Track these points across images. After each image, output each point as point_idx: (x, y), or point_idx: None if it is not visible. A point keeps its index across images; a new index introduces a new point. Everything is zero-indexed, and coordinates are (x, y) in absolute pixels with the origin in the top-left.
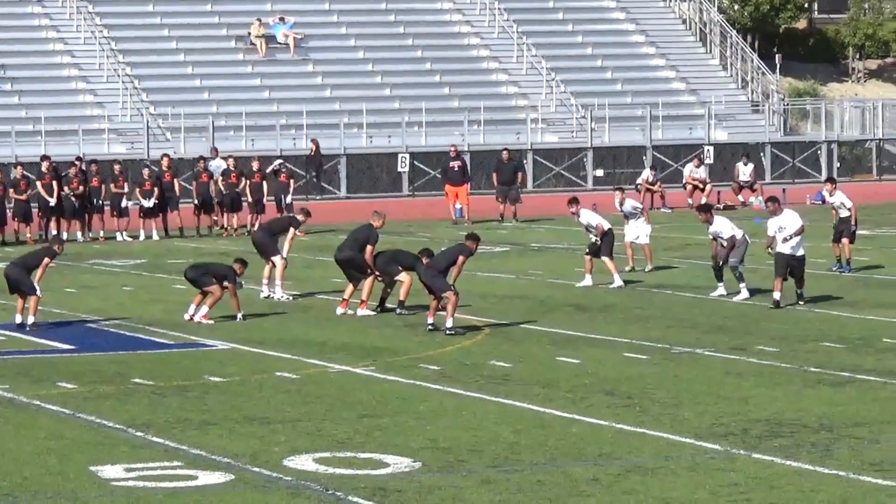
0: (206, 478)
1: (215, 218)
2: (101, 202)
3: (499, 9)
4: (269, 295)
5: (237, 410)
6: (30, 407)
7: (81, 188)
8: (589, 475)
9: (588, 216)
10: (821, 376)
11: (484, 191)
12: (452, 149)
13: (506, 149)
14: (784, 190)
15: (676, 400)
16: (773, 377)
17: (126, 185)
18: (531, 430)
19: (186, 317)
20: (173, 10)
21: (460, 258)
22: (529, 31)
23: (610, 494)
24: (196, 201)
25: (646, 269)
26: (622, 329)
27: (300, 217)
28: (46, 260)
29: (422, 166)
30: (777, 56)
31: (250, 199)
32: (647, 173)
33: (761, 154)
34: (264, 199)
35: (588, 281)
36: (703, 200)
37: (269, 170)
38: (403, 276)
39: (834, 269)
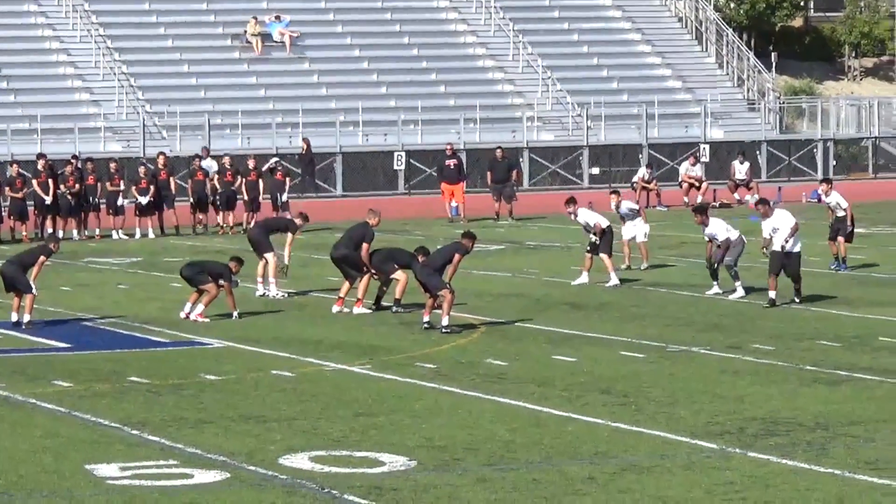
0: (202, 476)
1: (200, 217)
2: (97, 200)
3: (495, 7)
4: (264, 293)
5: (233, 409)
6: (25, 405)
7: (77, 186)
8: (585, 474)
9: (586, 215)
10: (817, 375)
11: (480, 189)
12: (448, 147)
13: (499, 147)
14: (780, 188)
15: (672, 398)
16: (769, 375)
17: (122, 183)
18: (527, 429)
19: (182, 315)
20: (169, 9)
21: (456, 256)
22: (525, 29)
23: (606, 493)
24: (192, 199)
25: (641, 268)
26: (618, 327)
27: (298, 221)
28: (42, 258)
29: (418, 164)
30: (773, 54)
31: (246, 198)
32: (642, 171)
33: (757, 152)
34: (260, 198)
35: (584, 278)
36: (699, 199)
37: (264, 168)
38: (399, 275)
39: (832, 267)
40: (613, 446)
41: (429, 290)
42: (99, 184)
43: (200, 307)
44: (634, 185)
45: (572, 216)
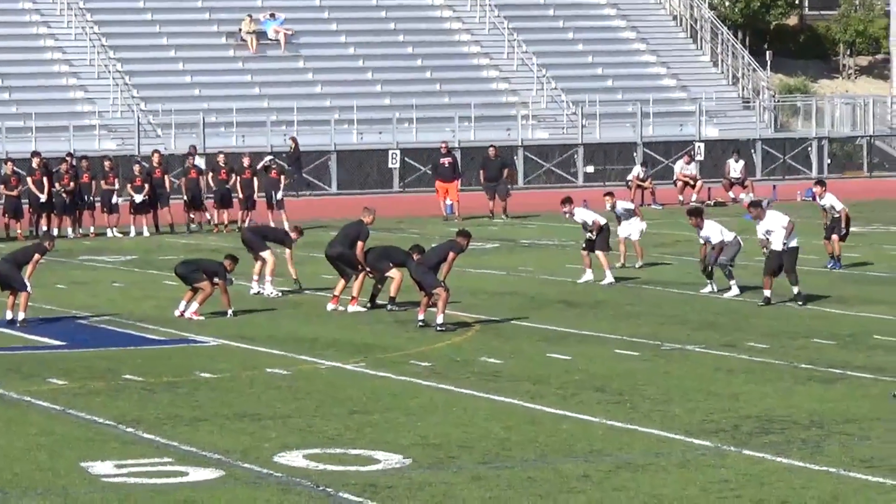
0: (197, 474)
1: (193, 215)
2: (91, 198)
3: (489, 5)
4: (259, 291)
5: (228, 407)
6: (20, 403)
7: (72, 184)
8: (579, 472)
9: (583, 214)
10: (811, 373)
11: (474, 187)
12: (443, 145)
13: (492, 145)
14: (774, 187)
15: (667, 396)
16: (764, 374)
17: (116, 181)
18: (522, 427)
19: (177, 313)
20: (164, 7)
21: (450, 255)
22: (520, 27)
23: (600, 491)
24: (185, 197)
25: (636, 266)
26: (613, 325)
27: (293, 235)
28: (37, 256)
29: (412, 163)
30: (768, 52)
31: (241, 196)
32: (637, 170)
33: (752, 150)
34: (255, 196)
35: (589, 276)
36: (694, 197)
37: (259, 166)
38: (394, 273)
39: (828, 266)
40: (608, 444)
41: (423, 289)
42: (94, 182)
43: (195, 305)
44: (629, 183)
45: (569, 215)
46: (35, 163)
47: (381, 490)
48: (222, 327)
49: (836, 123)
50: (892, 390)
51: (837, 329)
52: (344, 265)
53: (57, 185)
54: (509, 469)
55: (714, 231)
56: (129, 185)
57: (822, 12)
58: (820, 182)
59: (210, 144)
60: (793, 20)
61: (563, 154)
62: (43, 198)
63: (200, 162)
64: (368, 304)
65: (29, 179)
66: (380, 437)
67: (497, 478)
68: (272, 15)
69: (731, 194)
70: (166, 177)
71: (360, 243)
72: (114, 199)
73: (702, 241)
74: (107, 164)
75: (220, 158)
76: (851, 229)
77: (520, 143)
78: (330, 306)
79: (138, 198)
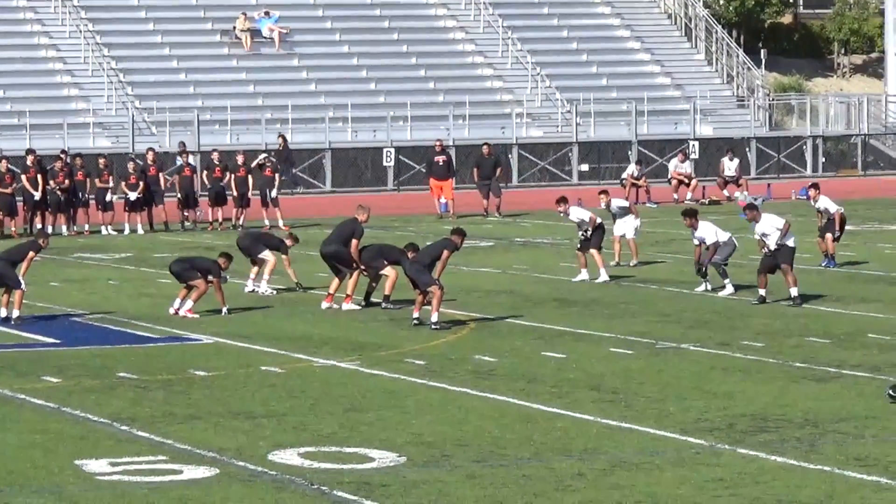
0: (191, 472)
1: (187, 213)
2: (86, 196)
3: (484, 3)
4: (253, 289)
5: (222, 405)
6: (14, 400)
7: (67, 182)
8: (574, 470)
9: (578, 212)
10: (806, 371)
11: (469, 185)
12: (438, 143)
13: (486, 143)
14: (769, 185)
15: (662, 395)
16: (759, 372)
17: (111, 179)
18: (516, 425)
19: (171, 311)
20: (158, 4)
21: (444, 253)
22: (515, 25)
23: (595, 489)
24: (178, 195)
25: (631, 264)
26: (607, 324)
27: (289, 242)
28: (31, 254)
29: (407, 161)
30: (762, 51)
31: (235, 194)
32: (632, 168)
33: (746, 149)
34: (249, 194)
35: (584, 275)
36: (689, 196)
37: (254, 164)
38: (389, 271)
39: (823, 264)
40: (603, 443)
41: (418, 287)
42: (88, 180)
43: (190, 303)
44: (624, 181)
45: (564, 214)
46: (29, 160)
47: (376, 488)
48: (217, 325)
49: (830, 122)
50: (887, 388)
51: (832, 328)
52: (338, 263)
53: (52, 182)
54: (504, 467)
55: (709, 232)
56: (123, 183)
57: (817, 11)
58: (814, 185)
59: (204, 142)
60: (787, 19)
61: (558, 152)
62: (37, 195)
63: (183, 158)
64: (363, 303)
65: (23, 177)
66: (374, 435)
67: (492, 476)
68: (267, 13)
69: (725, 193)
70: (161, 174)
71: (354, 241)
72: (108, 197)
73: (696, 242)
74: (101, 161)
75: (215, 156)
76: (846, 228)
77: (514, 142)
78: (324, 304)
79: (133, 195)
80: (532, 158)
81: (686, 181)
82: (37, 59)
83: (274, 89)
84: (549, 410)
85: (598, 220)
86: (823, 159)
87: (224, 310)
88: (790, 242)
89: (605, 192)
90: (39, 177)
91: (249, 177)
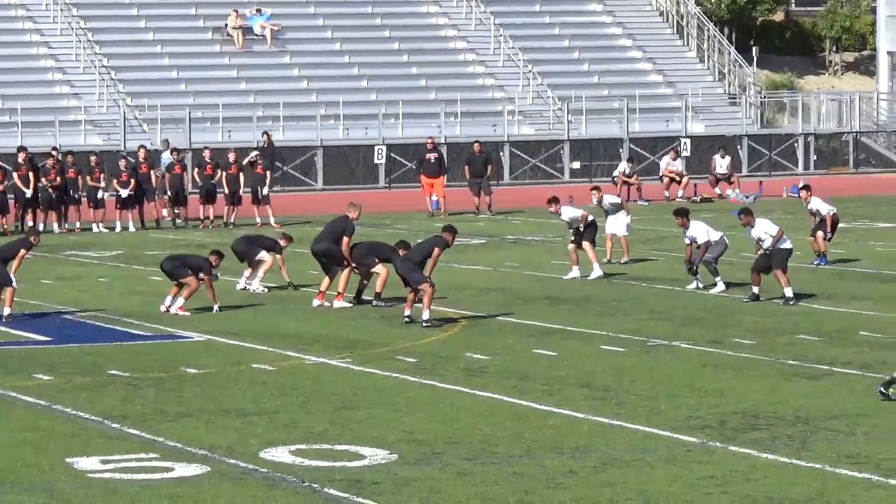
0: (183, 470)
1: (176, 211)
2: (78, 194)
3: (476, 1)
4: (245, 287)
5: (213, 402)
6: (5, 398)
7: (59, 179)
8: (565, 468)
9: (569, 212)
10: (797, 369)
11: (460, 183)
12: (429, 141)
13: (477, 141)
14: (761, 183)
15: (653, 392)
16: (750, 370)
17: (102, 176)
18: (507, 423)
19: (162, 308)
20: (150, 2)
21: (436, 250)
22: (506, 23)
23: (587, 487)
24: (169, 193)
25: (622, 262)
26: (598, 321)
27: (282, 242)
28: (23, 251)
29: (398, 158)
30: (754, 49)
31: (226, 191)
32: (623, 166)
33: (738, 147)
34: (240, 191)
35: (575, 272)
36: (680, 193)
37: (245, 161)
38: (380, 268)
39: (815, 262)
40: (594, 440)
41: (409, 284)
42: (80, 177)
43: (181, 301)
44: (615, 179)
45: (556, 214)
46: (21, 158)
47: (367, 486)
48: (208, 323)
49: (822, 120)
50: (878, 386)
51: (823, 325)
52: (329, 261)
53: (43, 180)
54: (495, 465)
55: (700, 231)
56: (114, 181)
57: (809, 8)
58: (806, 187)
59: (196, 140)
60: (779, 16)
61: (549, 150)
62: (29, 193)
63: (170, 157)
64: (354, 300)
65: (15, 174)
66: (365, 432)
67: (483, 473)
68: (258, 10)
69: (717, 190)
70: (152, 172)
71: (345, 239)
72: (100, 195)
73: (688, 242)
74: (93, 159)
75: (206, 154)
76: (838, 226)
77: (506, 139)
78: (315, 302)
79: (124, 193)
80: (524, 156)
81: (677, 179)
82: (28, 57)
83: (265, 87)
84: (540, 408)
85: (591, 218)
86: (815, 157)
87: (215, 307)
88: (786, 245)
89: (597, 188)
90: (31, 174)
91: (241, 174)
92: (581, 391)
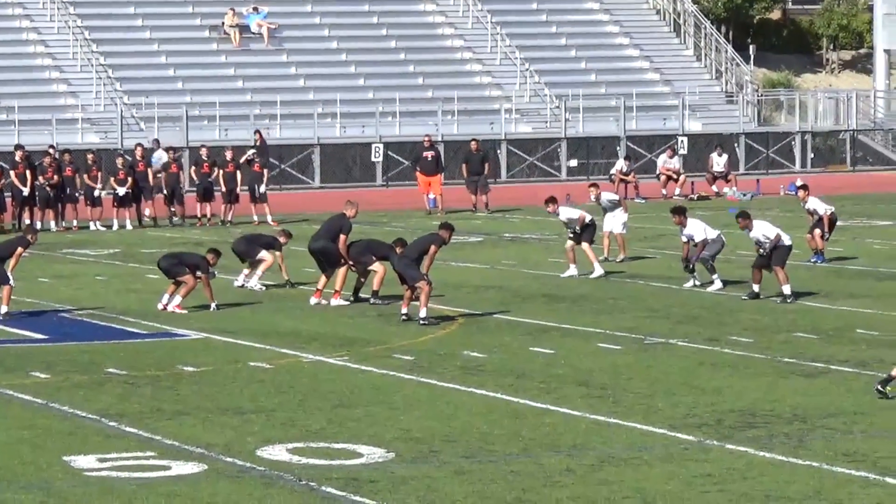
0: (180, 468)
1: (173, 209)
2: (76, 192)
3: None
4: (242, 284)
5: (210, 400)
6: (2, 396)
7: (56, 178)
8: (563, 466)
9: (567, 212)
10: (795, 367)
11: (458, 181)
12: (426, 139)
13: (474, 139)
14: (758, 181)
15: (650, 390)
16: (747, 368)
17: (100, 174)
18: (505, 421)
19: (160, 306)
20: (147, 0)
21: (432, 248)
22: (504, 21)
23: (584, 485)
24: (165, 192)
25: (618, 259)
26: (595, 319)
27: (282, 239)
28: (20, 249)
29: (396, 156)
30: (751, 47)
31: (223, 189)
32: (620, 164)
33: (735, 145)
34: (238, 189)
35: (573, 270)
36: (677, 191)
37: (242, 159)
38: (377, 266)
39: (812, 260)
40: (591, 438)
41: (406, 282)
42: (77, 175)
43: (178, 298)
44: (612, 177)
45: (554, 214)
46: (18, 156)
47: (364, 484)
48: (205, 321)
49: (819, 118)
50: (875, 384)
51: (821, 323)
52: (327, 259)
53: (41, 178)
54: (492, 463)
55: (697, 229)
56: (112, 179)
57: (806, 7)
58: (804, 186)
59: (193, 138)
60: (776, 14)
61: (547, 148)
62: (26, 191)
63: (161, 155)
64: (351, 298)
65: (12, 173)
66: (363, 430)
67: (480, 472)
68: (255, 8)
69: (714, 188)
70: (149, 170)
71: (342, 237)
72: (96, 193)
73: (685, 240)
74: (90, 157)
75: (203, 152)
76: (836, 224)
77: (503, 137)
78: (313, 300)
79: (121, 191)
80: (521, 154)
81: (674, 177)
82: (26, 55)
83: (262, 85)
84: (537, 406)
85: (588, 219)
86: (812, 155)
87: (212, 305)
88: (785, 242)
89: (595, 185)
90: (28, 172)
91: (238, 172)
92: (578, 389)
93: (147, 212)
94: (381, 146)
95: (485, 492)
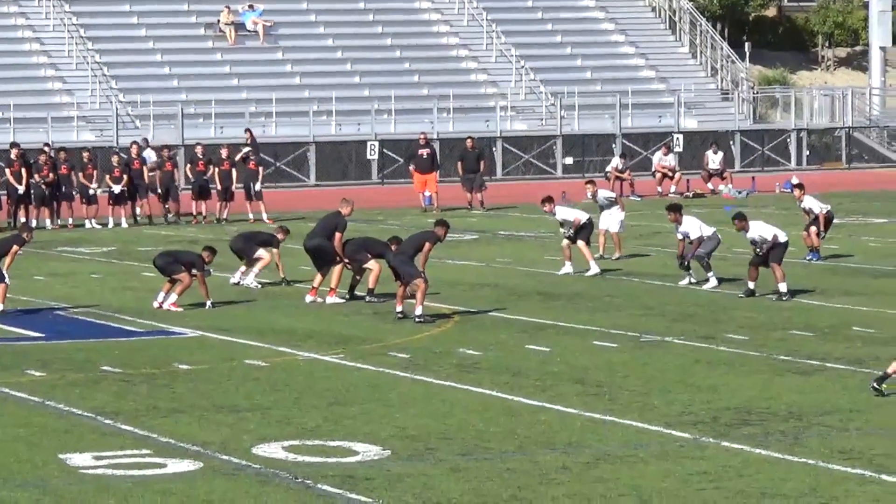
0: (176, 465)
1: (167, 207)
2: (72, 190)
3: None
4: (238, 282)
5: (206, 398)
6: None
7: (51, 176)
8: (558, 463)
9: (563, 212)
10: (790, 364)
11: (453, 179)
12: (422, 136)
13: (470, 137)
14: (753, 178)
15: (646, 388)
16: (743, 365)
17: (95, 172)
18: (500, 418)
19: (155, 304)
20: None
21: (427, 245)
22: (499, 18)
23: (580, 482)
24: (159, 190)
25: (613, 258)
26: (591, 317)
27: (280, 235)
28: (15, 247)
29: (391, 154)
30: (747, 44)
31: (219, 187)
32: (616, 161)
33: (731, 142)
34: (233, 187)
35: (568, 268)
36: (673, 189)
37: (237, 157)
38: (372, 264)
39: (808, 258)
40: (587, 436)
41: (400, 278)
42: (72, 173)
43: (173, 296)
44: (608, 174)
45: (550, 214)
46: (13, 154)
47: (360, 482)
48: (201, 319)
49: (814, 115)
50: (871, 381)
51: (816, 321)
52: (322, 257)
53: (36, 176)
54: (488, 461)
55: (693, 226)
56: (107, 177)
57: (801, 3)
58: (799, 185)
59: (188, 136)
60: (772, 11)
61: (542, 145)
62: (21, 189)
63: (151, 154)
64: (347, 296)
65: (7, 171)
66: (358, 428)
67: (476, 469)
68: (251, 6)
69: (709, 186)
70: (145, 168)
71: (338, 234)
72: (92, 191)
73: (680, 237)
74: (85, 155)
75: (199, 150)
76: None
77: (498, 135)
78: (308, 298)
79: (117, 189)
80: (516, 151)
81: (670, 174)
82: (21, 53)
83: (258, 83)
84: (533, 404)
85: (583, 221)
86: (808, 152)
87: (208, 303)
88: (781, 239)
89: (591, 182)
90: (23, 170)
91: (233, 170)
92: (574, 387)
93: (138, 210)
94: (376, 144)
95: (480, 489)
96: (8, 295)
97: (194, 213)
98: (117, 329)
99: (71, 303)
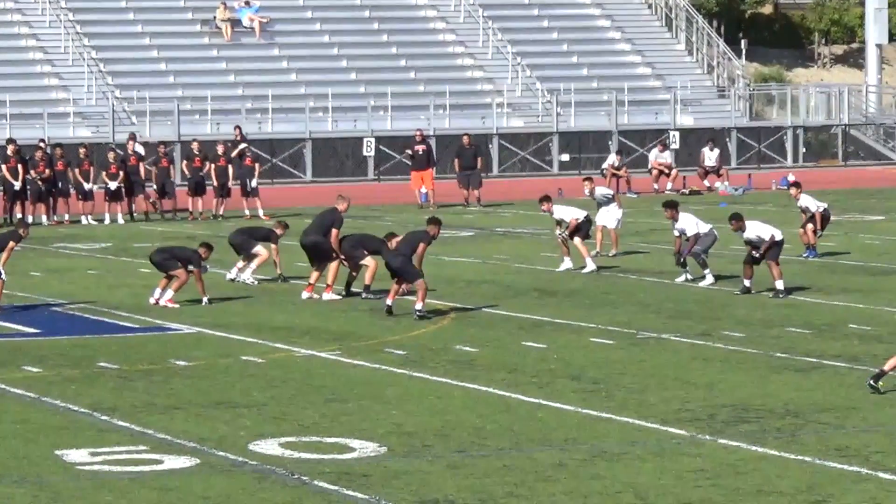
0: (172, 462)
1: (162, 203)
2: (69, 186)
3: None
4: (234, 278)
5: (203, 395)
6: None
7: (47, 171)
8: (555, 460)
9: (561, 212)
10: (787, 362)
11: (449, 176)
12: (418, 133)
13: (466, 134)
14: (750, 175)
15: (642, 385)
16: (740, 363)
17: (91, 168)
18: (497, 415)
19: (152, 300)
20: None
21: (421, 246)
22: (495, 15)
23: (576, 479)
24: (155, 186)
25: (610, 255)
26: (588, 314)
27: (279, 231)
28: (11, 244)
29: (387, 150)
30: (743, 41)
31: (215, 184)
32: (612, 158)
33: (727, 139)
34: (229, 183)
35: (568, 264)
36: (669, 186)
37: (234, 153)
38: (369, 261)
39: (804, 255)
40: (584, 433)
41: (397, 275)
42: (68, 169)
43: (170, 293)
44: (604, 171)
45: (548, 213)
46: (9, 150)
47: (357, 478)
48: (197, 315)
49: (811, 112)
50: (868, 379)
51: (813, 318)
52: (318, 253)
53: (32, 172)
54: (485, 457)
55: (689, 223)
56: (103, 173)
57: (798, 1)
58: (796, 184)
59: (184, 132)
60: (768, 9)
61: (538, 142)
62: (17, 185)
63: (140, 149)
64: (343, 292)
65: (3, 167)
66: (355, 425)
67: (472, 466)
68: (247, 2)
69: (706, 183)
70: (141, 164)
71: (334, 231)
72: (88, 187)
73: (676, 234)
74: (81, 151)
75: (195, 146)
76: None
77: (495, 132)
78: (305, 294)
79: (113, 185)
80: (512, 148)
81: (666, 171)
82: (17, 49)
83: (254, 79)
84: (529, 400)
85: (581, 219)
86: (804, 150)
87: (204, 300)
88: (777, 237)
89: (589, 178)
90: (20, 166)
91: (229, 167)
92: (570, 384)
93: (134, 206)
94: (372, 140)
95: (477, 486)
96: (4, 291)
97: (190, 209)
98: (114, 325)
99: (67, 299)
